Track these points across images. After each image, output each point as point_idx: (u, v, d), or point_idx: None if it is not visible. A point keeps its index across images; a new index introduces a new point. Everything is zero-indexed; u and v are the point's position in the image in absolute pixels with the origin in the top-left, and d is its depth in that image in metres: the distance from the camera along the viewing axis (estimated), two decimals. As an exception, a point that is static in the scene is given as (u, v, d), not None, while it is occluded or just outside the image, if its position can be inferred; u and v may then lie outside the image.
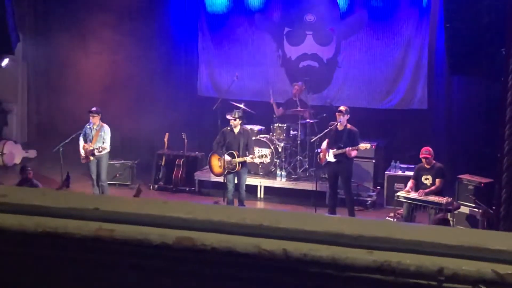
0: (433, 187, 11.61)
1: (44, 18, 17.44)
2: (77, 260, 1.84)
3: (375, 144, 13.64)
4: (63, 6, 16.78)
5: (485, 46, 10.40)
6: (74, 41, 16.58)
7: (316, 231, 1.72)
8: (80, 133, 13.20)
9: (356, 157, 12.80)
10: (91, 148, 13.01)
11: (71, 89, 16.67)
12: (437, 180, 11.65)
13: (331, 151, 12.42)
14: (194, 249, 1.73)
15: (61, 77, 17.09)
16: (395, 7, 15.41)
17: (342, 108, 12.62)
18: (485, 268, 1.61)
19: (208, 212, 1.85)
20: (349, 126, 12.49)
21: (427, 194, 11.51)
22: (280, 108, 15.20)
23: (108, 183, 13.61)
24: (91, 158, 13.07)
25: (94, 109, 13.22)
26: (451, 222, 11.55)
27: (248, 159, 12.51)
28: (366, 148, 12.54)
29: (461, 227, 10.72)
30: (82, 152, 13.12)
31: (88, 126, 13.20)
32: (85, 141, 13.15)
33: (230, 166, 12.54)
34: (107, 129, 13.24)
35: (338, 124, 12.46)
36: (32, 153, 17.10)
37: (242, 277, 1.74)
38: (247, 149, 12.66)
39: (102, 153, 13.04)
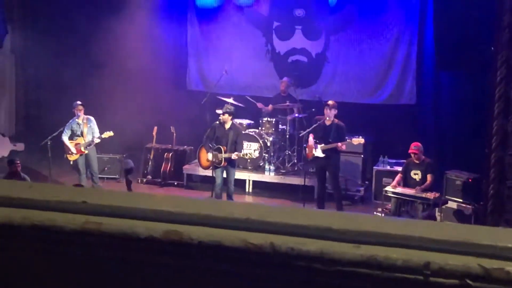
0: (427, 183, 11.64)
1: (32, 10, 17.34)
2: (65, 253, 1.84)
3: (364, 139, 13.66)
4: (52, -2, 16.71)
5: (474, 41, 10.43)
6: (62, 33, 16.49)
7: (303, 225, 1.72)
8: (62, 131, 13.12)
9: (344, 152, 12.83)
10: (87, 141, 13.01)
11: (59, 82, 16.60)
12: (429, 176, 11.68)
13: (319, 146, 12.42)
14: (181, 243, 1.73)
15: (50, 70, 16.99)
16: (384, 2, 15.39)
17: (330, 102, 12.62)
18: (472, 263, 1.61)
19: (196, 206, 1.85)
20: (336, 120, 12.49)
21: (423, 190, 11.55)
22: (270, 105, 15.18)
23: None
24: (85, 151, 13.07)
25: (79, 102, 13.20)
26: (438, 218, 11.61)
27: (233, 155, 12.49)
28: (359, 143, 12.60)
29: (449, 222, 10.76)
30: (74, 149, 13.06)
31: (76, 121, 13.13)
32: (72, 138, 13.10)
33: (216, 161, 12.54)
34: (93, 120, 13.27)
35: (326, 119, 12.45)
36: (20, 146, 17.01)
37: (229, 271, 1.74)
38: (236, 145, 12.63)
39: (96, 142, 13.13)
